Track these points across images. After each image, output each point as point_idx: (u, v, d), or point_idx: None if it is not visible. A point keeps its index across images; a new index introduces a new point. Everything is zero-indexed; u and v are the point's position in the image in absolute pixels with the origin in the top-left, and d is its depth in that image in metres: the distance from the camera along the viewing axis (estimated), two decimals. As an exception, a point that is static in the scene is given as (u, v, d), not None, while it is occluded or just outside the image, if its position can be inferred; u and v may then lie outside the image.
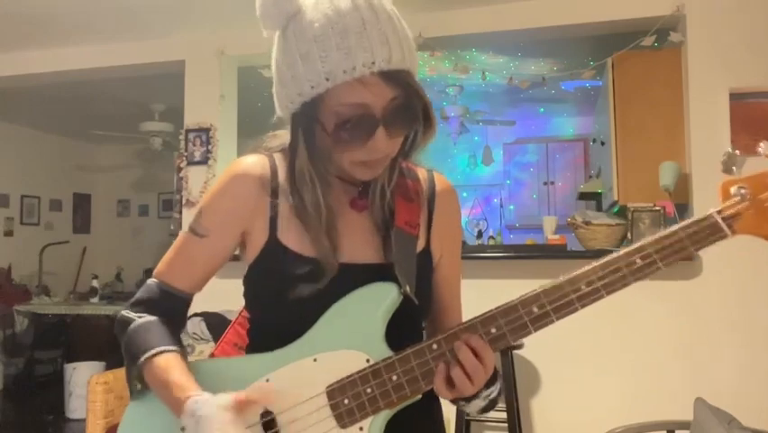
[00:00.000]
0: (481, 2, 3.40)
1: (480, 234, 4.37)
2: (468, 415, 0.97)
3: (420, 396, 0.90)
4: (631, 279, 0.88)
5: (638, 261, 0.88)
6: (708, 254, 2.96)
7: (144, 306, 1.00)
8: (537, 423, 3.18)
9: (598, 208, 4.78)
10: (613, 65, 3.62)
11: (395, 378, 0.88)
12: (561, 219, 3.73)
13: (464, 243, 3.92)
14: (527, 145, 6.93)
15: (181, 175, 3.88)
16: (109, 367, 4.06)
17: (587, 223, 3.17)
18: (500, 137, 6.93)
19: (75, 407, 4.57)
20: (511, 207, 6.93)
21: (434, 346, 0.89)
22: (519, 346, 2.87)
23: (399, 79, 0.87)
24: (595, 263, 0.90)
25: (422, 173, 1.07)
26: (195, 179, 3.82)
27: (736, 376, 2.89)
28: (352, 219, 1.00)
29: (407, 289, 0.92)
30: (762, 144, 0.89)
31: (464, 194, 7.16)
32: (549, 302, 0.88)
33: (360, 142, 0.89)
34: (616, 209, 3.84)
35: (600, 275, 0.88)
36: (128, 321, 0.99)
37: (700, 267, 3.00)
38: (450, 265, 1.07)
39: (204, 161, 3.82)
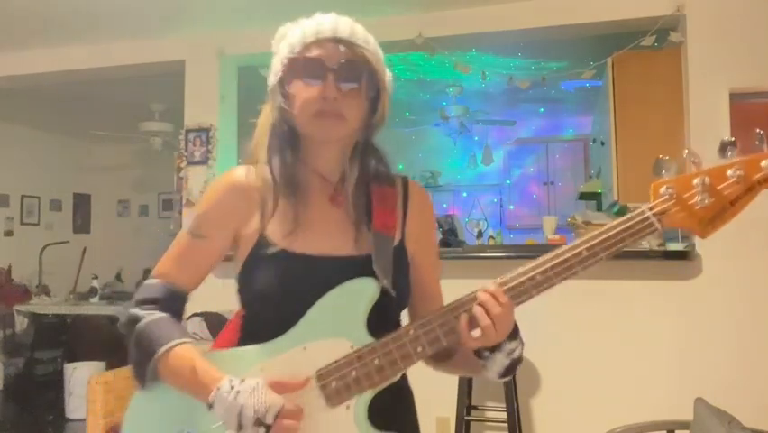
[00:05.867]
0: (481, 2, 3.40)
1: (480, 234, 4.35)
2: (501, 377, 1.08)
3: (399, 376, 1.02)
4: (578, 267, 0.99)
5: (584, 252, 1.00)
6: (709, 254, 2.96)
7: (151, 304, 1.09)
8: (537, 423, 3.18)
9: (599, 208, 4.78)
10: (613, 65, 3.62)
11: (376, 361, 0.99)
12: (561, 219, 3.73)
13: (464, 242, 3.92)
14: (527, 145, 6.94)
15: (181, 175, 3.88)
16: (109, 367, 4.06)
17: (587, 223, 3.17)
18: (500, 137, 6.93)
19: (75, 407, 4.57)
20: (511, 206, 6.93)
21: (411, 331, 1.01)
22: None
23: (350, 44, 1.07)
24: (544, 256, 1.01)
25: (398, 180, 1.21)
26: (195, 179, 3.82)
27: (736, 376, 2.89)
28: (330, 214, 1.12)
29: (385, 283, 1.04)
30: (685, 151, 1.01)
31: (464, 194, 7.17)
32: (511, 291, 1.00)
33: (310, 85, 1.06)
34: (616, 209, 3.84)
35: (551, 265, 1.00)
36: (137, 318, 1.07)
37: (700, 267, 2.99)
38: (425, 255, 1.20)
39: (204, 161, 3.82)
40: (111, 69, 4.16)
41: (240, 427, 0.93)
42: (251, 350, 1.05)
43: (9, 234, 6.71)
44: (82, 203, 7.71)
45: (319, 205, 1.11)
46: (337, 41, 1.07)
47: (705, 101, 3.05)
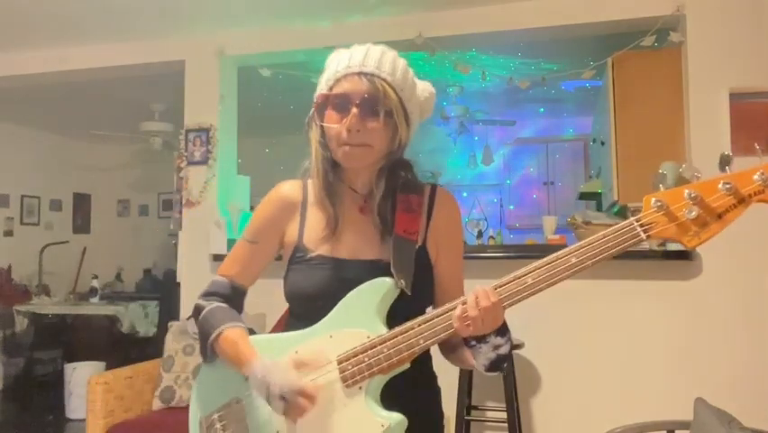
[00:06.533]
0: (481, 2, 3.41)
1: (480, 234, 4.36)
2: (487, 370, 1.17)
3: (408, 365, 1.15)
4: (566, 274, 1.07)
5: (573, 259, 1.08)
6: (708, 254, 2.96)
7: (215, 296, 1.34)
8: (537, 423, 3.18)
9: (599, 208, 4.78)
10: (613, 65, 3.62)
11: (385, 349, 1.14)
12: (561, 219, 3.73)
13: (464, 242, 3.92)
14: (527, 145, 6.93)
15: (181, 175, 3.88)
16: (109, 367, 4.06)
17: (587, 223, 3.17)
18: (500, 137, 6.93)
19: (75, 407, 4.57)
20: (511, 206, 6.93)
21: (416, 326, 1.14)
22: (519, 346, 2.88)
23: (373, 78, 1.21)
24: (535, 262, 1.09)
25: (427, 188, 1.33)
26: (195, 179, 3.83)
27: (736, 376, 2.89)
28: (359, 223, 1.29)
29: (402, 283, 1.19)
30: (682, 166, 1.08)
31: (464, 194, 7.16)
32: (504, 291, 1.10)
33: (339, 117, 1.21)
34: (616, 209, 3.84)
35: (541, 270, 1.08)
36: (201, 307, 1.32)
37: (700, 267, 3.00)
38: (448, 260, 1.31)
39: (204, 160, 3.82)
40: (111, 69, 4.16)
41: (268, 398, 1.13)
42: (290, 335, 1.26)
43: (9, 234, 6.71)
44: (82, 203, 7.71)
45: (350, 215, 1.29)
46: (362, 74, 1.22)
47: (705, 101, 3.05)
